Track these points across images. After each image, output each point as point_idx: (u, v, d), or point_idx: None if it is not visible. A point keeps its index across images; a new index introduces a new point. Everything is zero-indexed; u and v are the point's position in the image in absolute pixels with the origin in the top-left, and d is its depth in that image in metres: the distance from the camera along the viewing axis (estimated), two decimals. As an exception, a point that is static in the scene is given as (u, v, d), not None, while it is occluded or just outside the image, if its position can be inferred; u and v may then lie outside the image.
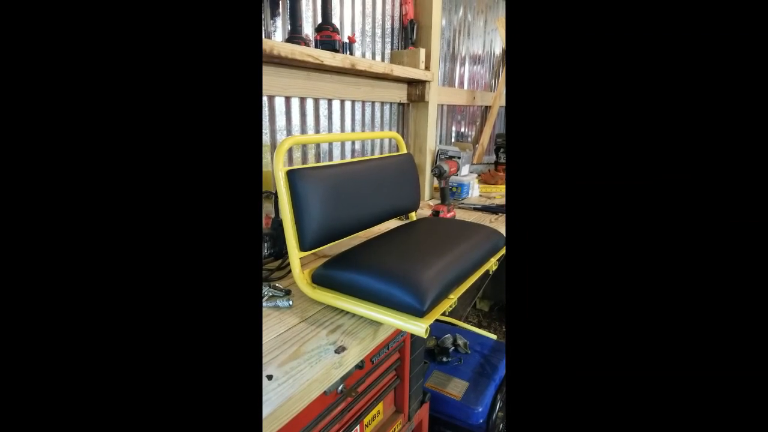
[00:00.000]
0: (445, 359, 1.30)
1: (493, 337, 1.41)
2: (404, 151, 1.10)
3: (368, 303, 0.68)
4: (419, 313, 0.64)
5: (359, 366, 0.69)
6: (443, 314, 0.71)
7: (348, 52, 1.12)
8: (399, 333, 0.83)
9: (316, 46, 1.05)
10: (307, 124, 1.20)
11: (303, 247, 0.73)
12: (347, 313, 0.72)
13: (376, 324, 0.68)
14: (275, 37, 1.03)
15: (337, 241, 0.81)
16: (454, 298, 0.73)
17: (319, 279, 0.74)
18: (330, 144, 1.31)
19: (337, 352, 0.60)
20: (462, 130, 2.24)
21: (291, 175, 0.71)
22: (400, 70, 1.30)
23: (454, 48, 1.96)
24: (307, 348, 0.61)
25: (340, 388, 0.66)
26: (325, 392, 0.64)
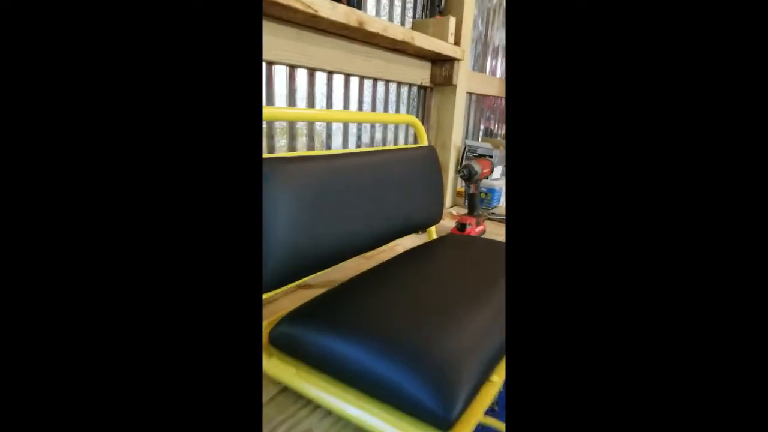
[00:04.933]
0: None
1: None
2: (425, 142, 0.81)
3: (354, 390, 0.40)
4: (444, 424, 0.35)
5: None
6: (485, 414, 0.42)
7: (356, 7, 0.84)
8: None
9: (310, -7, 0.76)
10: (297, 103, 0.92)
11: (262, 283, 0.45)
12: (319, 406, 0.43)
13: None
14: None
15: (320, 272, 0.53)
16: (498, 381, 0.44)
17: (279, 339, 0.46)
18: (329, 129, 1.03)
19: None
20: (491, 127, 1.93)
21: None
22: (422, 40, 1.01)
23: (486, 37, 1.66)
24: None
25: None
26: None
